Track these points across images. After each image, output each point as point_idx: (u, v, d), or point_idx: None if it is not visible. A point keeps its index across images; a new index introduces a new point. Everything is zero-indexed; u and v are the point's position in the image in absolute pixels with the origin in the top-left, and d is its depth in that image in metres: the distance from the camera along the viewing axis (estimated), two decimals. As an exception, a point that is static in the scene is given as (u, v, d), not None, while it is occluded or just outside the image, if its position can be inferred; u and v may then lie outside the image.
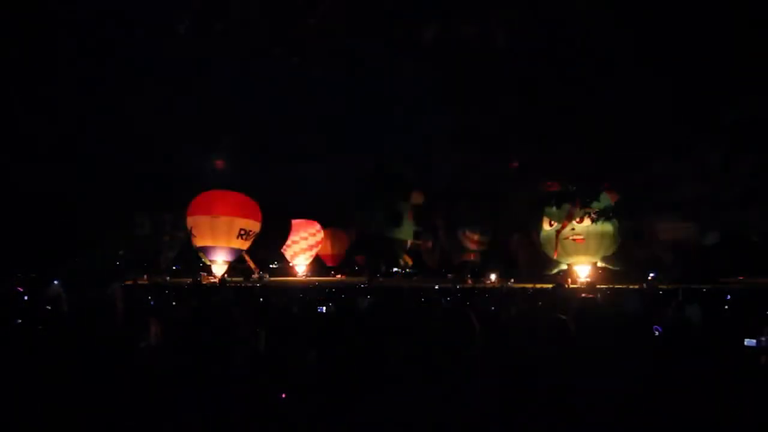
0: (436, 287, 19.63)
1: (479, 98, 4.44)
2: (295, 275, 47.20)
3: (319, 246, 47.27)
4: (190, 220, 33.86)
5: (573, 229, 30.80)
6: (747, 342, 3.64)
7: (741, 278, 41.41)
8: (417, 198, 40.52)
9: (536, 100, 3.98)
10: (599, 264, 33.91)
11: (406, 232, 39.68)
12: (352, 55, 3.00)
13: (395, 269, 46.49)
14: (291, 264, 47.91)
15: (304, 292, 15.74)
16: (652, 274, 31.38)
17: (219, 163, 39.23)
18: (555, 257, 34.05)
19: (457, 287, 20.98)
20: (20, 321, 4.80)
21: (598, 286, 15.32)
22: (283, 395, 1.97)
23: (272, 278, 41.95)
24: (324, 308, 6.25)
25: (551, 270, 38.91)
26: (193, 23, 2.51)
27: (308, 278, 43.57)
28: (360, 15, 2.67)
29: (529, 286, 23.44)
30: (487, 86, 4.28)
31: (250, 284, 23.34)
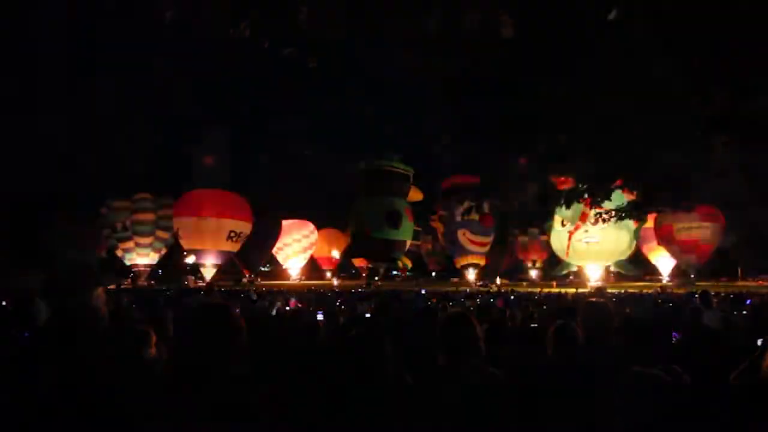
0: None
1: (482, 91, 4.49)
2: (288, 278, 47.22)
3: (314, 248, 47.31)
4: (177, 222, 33.57)
5: (586, 231, 30.02)
6: (759, 343, 3.66)
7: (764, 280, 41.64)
8: (416, 196, 40.49)
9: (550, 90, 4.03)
10: (612, 268, 33.65)
11: (405, 233, 39.54)
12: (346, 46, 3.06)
13: (394, 272, 46.51)
14: (284, 267, 47.91)
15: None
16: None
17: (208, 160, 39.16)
18: (566, 257, 33.55)
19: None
20: None
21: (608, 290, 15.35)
22: None
23: (265, 282, 41.99)
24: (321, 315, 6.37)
25: (559, 271, 38.80)
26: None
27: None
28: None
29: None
30: (491, 79, 4.33)
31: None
